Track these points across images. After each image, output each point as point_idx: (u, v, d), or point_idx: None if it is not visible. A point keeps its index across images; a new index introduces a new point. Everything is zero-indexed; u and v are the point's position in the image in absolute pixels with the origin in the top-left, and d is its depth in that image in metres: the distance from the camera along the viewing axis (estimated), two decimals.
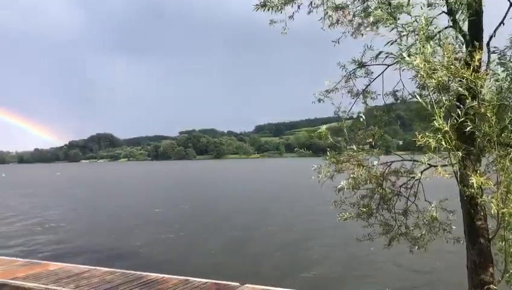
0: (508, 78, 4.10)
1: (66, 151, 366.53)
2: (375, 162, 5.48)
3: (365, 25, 5.71)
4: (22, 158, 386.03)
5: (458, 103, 4.22)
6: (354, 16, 5.84)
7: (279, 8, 5.70)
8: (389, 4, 5.02)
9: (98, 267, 12.02)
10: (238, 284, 9.94)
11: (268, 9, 5.67)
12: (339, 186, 5.29)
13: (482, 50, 4.67)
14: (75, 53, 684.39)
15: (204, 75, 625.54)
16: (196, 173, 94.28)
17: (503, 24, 4.90)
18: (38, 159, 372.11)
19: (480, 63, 4.27)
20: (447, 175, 4.16)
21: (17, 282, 10.68)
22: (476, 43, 4.54)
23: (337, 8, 5.77)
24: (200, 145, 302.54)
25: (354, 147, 5.55)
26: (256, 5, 5.62)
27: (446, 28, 5.03)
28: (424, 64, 3.87)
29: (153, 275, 11.09)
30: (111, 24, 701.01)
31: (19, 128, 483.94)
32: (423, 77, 3.94)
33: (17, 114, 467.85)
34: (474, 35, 4.90)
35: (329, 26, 5.91)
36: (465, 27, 5.01)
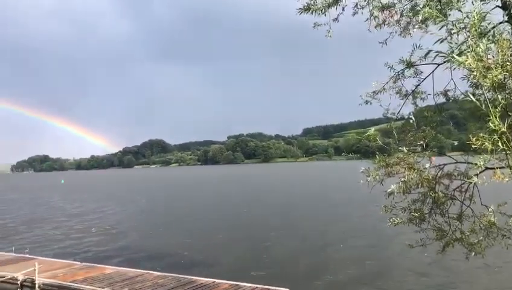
0: None
1: (120, 158, 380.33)
2: (427, 165, 5.30)
3: (413, 23, 5.54)
4: (80, 165, 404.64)
5: None
6: (401, 15, 5.68)
7: (323, 10, 5.64)
8: (439, 1, 4.85)
9: (150, 271, 12.33)
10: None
11: (312, 13, 5.62)
12: (389, 190, 5.15)
13: None
14: (127, 64, 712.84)
15: (252, 79, 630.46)
16: (245, 176, 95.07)
17: None
18: (95, 165, 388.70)
19: None
20: (507, 179, 3.93)
21: (76, 285, 11.14)
22: None
23: (383, 8, 5.64)
24: (248, 149, 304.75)
25: (405, 149, 5.38)
26: (300, 8, 5.59)
27: (501, 23, 4.79)
28: (477, 64, 3.68)
29: (204, 279, 11.25)
30: (159, 35, 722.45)
31: (77, 137, 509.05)
32: (476, 77, 3.76)
33: (75, 123, 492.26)
34: None
35: (375, 27, 5.79)
36: None
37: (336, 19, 5.81)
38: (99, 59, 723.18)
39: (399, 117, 6.12)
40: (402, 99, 6.16)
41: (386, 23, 5.70)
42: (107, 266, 13.31)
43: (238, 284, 10.71)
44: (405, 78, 5.94)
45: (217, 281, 11.07)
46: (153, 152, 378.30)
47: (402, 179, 5.14)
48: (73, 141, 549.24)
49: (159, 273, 12.12)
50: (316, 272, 14.24)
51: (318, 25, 5.93)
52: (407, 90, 6.07)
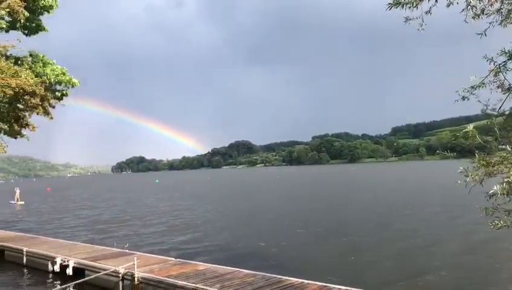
0: None
1: (209, 158, 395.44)
2: None
3: None
4: (172, 165, 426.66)
5: None
6: (502, 2, 5.28)
7: (415, 3, 5.40)
8: None
9: (240, 269, 12.65)
10: None
11: (403, 7, 5.41)
12: (491, 191, 4.84)
13: None
14: (215, 69, 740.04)
15: (336, 78, 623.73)
16: (331, 176, 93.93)
17: None
18: (186, 165, 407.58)
19: None
20: None
21: (170, 280, 11.76)
22: None
23: None
24: (333, 149, 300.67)
25: (508, 147, 5.00)
26: (389, 4, 5.41)
27: None
28: None
29: (293, 279, 11.30)
30: (244, 40, 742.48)
31: (170, 139, 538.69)
32: None
33: (167, 126, 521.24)
34: None
35: (472, 18, 5.43)
36: None
37: (428, 12, 5.53)
38: (189, 66, 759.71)
39: (500, 113, 5.69)
40: (504, 93, 5.71)
41: (485, 12, 5.33)
42: (199, 263, 13.89)
43: (327, 286, 10.62)
44: (507, 70, 5.51)
45: (306, 281, 11.06)
46: (239, 153, 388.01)
47: (506, 180, 4.78)
48: (166, 143, 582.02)
49: (248, 271, 12.39)
50: (405, 276, 13.66)
51: (409, 20, 5.69)
52: (510, 84, 5.62)
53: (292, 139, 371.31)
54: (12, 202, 54.87)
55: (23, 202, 54.24)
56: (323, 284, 10.77)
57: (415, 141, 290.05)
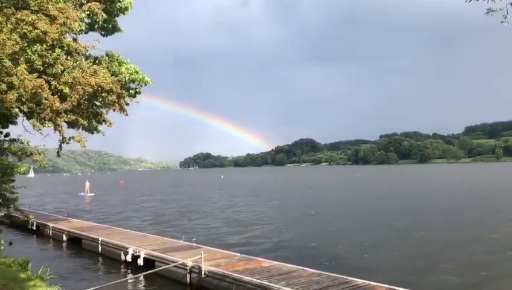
0: None
1: (273, 156, 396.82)
2: None
3: None
4: (237, 162, 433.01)
5: None
6: None
7: None
8: None
9: (305, 268, 12.56)
10: None
11: None
12: None
13: None
14: (279, 67, 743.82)
15: (404, 76, 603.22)
16: (399, 177, 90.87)
17: None
18: (250, 162, 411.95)
19: None
20: None
21: (236, 275, 11.93)
22: None
23: None
24: (402, 149, 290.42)
25: None
26: None
27: None
28: None
29: (359, 280, 11.04)
30: (309, 37, 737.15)
31: (235, 136, 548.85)
32: None
33: (232, 124, 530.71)
34: None
35: None
36: None
37: None
38: (253, 64, 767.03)
39: None
40: None
41: None
42: (263, 260, 13.97)
43: (395, 289, 10.28)
44: None
45: (373, 283, 10.78)
46: (303, 151, 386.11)
47: None
48: (232, 140, 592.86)
49: (313, 270, 12.28)
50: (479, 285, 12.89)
51: (492, 11, 5.32)
52: None
53: (358, 137, 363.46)
54: (82, 193, 58.62)
55: (92, 194, 57.86)
56: (391, 287, 10.43)
57: (490, 141, 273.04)
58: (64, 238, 22.16)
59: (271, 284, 10.88)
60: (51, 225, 24.04)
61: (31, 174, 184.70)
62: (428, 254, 17.20)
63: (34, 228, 25.26)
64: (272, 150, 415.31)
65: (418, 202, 37.55)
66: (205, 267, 12.73)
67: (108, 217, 31.85)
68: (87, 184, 59.92)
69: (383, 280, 11.20)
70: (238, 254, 14.97)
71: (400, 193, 49.27)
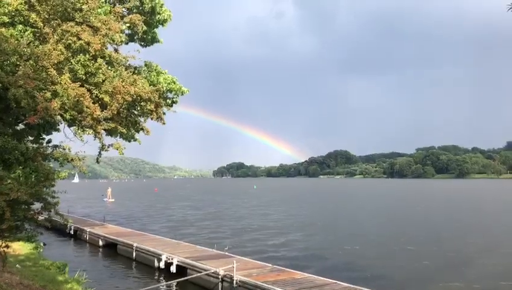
0: None
1: (306, 167, 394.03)
2: None
3: None
4: (270, 172, 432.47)
5: None
6: None
7: None
8: None
9: (338, 282, 12.36)
10: None
11: None
12: None
13: None
14: (313, 78, 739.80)
15: (442, 87, 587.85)
16: (437, 191, 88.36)
17: None
18: (283, 173, 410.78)
19: None
20: None
21: (268, 286, 11.86)
22: None
23: None
24: (439, 163, 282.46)
25: None
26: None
27: None
28: None
29: None
30: (343, 49, 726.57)
31: (268, 146, 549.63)
32: None
33: (266, 134, 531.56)
34: None
35: None
36: None
37: None
38: (288, 75, 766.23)
39: None
40: None
41: None
42: (295, 271, 13.84)
43: None
44: None
45: None
46: (337, 163, 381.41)
47: None
48: (265, 150, 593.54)
49: (346, 284, 12.07)
50: None
51: None
52: None
53: (394, 150, 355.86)
54: (105, 199, 62.82)
55: (113, 199, 61.41)
56: None
57: None
58: (100, 243, 22.68)
59: None
60: (87, 229, 24.68)
61: (76, 180, 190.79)
62: (468, 274, 16.61)
63: (72, 232, 25.98)
64: (305, 161, 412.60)
65: (458, 218, 36.39)
66: (237, 276, 12.74)
67: (137, 224, 32.40)
68: (109, 190, 64.13)
69: None
70: (270, 265, 14.89)
71: (439, 208, 47.90)
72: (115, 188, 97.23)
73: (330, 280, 12.52)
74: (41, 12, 9.35)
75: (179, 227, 31.00)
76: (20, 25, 9.67)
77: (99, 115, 9.20)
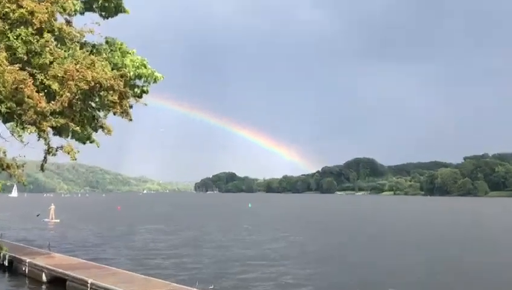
0: None
1: (318, 180, 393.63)
2: None
3: None
4: (270, 186, 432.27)
5: None
6: None
7: None
8: None
9: None
10: None
11: None
12: None
13: None
14: (327, 64, 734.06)
15: (498, 79, 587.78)
16: (493, 216, 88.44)
17: None
18: (287, 187, 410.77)
19: None
20: None
21: None
22: None
23: None
24: (494, 176, 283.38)
25: None
26: None
27: None
28: None
29: None
30: (367, 26, 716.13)
31: (267, 151, 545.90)
32: None
33: (265, 135, 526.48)
34: None
35: None
36: None
37: None
38: (292, 60, 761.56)
39: None
40: None
41: None
42: None
43: None
44: None
45: None
46: (359, 175, 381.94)
47: None
48: (263, 156, 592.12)
49: None
50: None
51: None
52: None
53: (434, 159, 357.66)
54: (46, 219, 62.45)
55: (58, 220, 61.45)
56: None
57: None
58: (44, 278, 22.55)
59: None
60: (27, 259, 24.54)
61: (14, 194, 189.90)
62: None
63: (7, 263, 25.83)
64: (317, 171, 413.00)
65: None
66: None
67: (93, 252, 32.34)
68: (52, 207, 64.08)
69: None
70: None
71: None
72: (64, 205, 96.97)
73: None
74: None
75: (148, 257, 30.90)
76: None
77: (44, 107, 9.13)
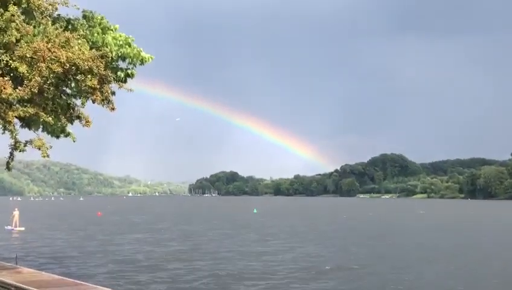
0: None
1: (337, 180, 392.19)
2: None
3: None
4: (279, 188, 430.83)
5: None
6: None
7: None
8: None
9: None
10: None
11: None
12: None
13: None
14: (346, 42, 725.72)
15: None
16: None
17: None
18: (299, 189, 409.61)
19: None
20: None
21: None
22: None
23: None
24: None
25: None
26: None
27: None
28: None
29: None
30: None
31: (275, 146, 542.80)
32: None
33: (272, 126, 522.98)
34: None
35: None
36: None
37: None
38: (304, 37, 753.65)
39: None
40: None
41: None
42: None
43: None
44: None
45: None
46: (386, 174, 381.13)
47: None
48: (270, 152, 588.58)
49: None
50: None
51: None
52: None
53: (476, 156, 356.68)
54: (9, 227, 63.37)
55: (22, 228, 62.24)
56: None
57: None
58: None
59: None
60: None
61: None
62: None
63: None
64: (336, 170, 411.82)
65: None
66: None
67: (69, 266, 32.50)
68: (16, 213, 64.53)
69: None
70: None
71: None
72: (35, 210, 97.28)
73: None
74: None
75: (133, 271, 31.05)
76: None
77: (10, 94, 9.15)
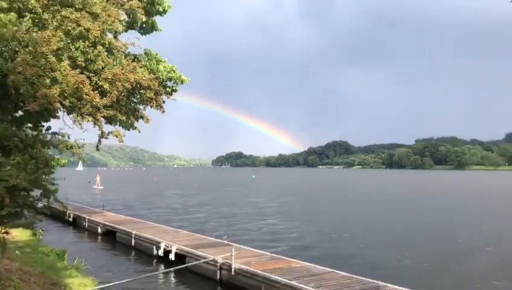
0: None
1: (305, 157, 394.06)
2: None
3: None
4: (268, 162, 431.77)
5: None
6: None
7: None
8: None
9: (335, 270, 12.44)
10: None
11: None
12: None
13: None
14: (312, 68, 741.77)
15: (442, 79, 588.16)
16: (436, 183, 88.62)
17: None
18: (282, 163, 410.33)
19: None
20: None
21: (265, 274, 11.94)
22: None
23: None
24: (438, 154, 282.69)
25: None
26: None
27: None
28: None
29: (391, 286, 10.86)
30: (342, 40, 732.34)
31: (267, 136, 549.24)
32: None
33: (265, 124, 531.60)
34: None
35: None
36: None
37: None
38: (286, 65, 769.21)
39: None
40: None
41: None
42: (294, 260, 13.91)
43: None
44: None
45: (405, 289, 10.58)
46: (336, 153, 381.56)
47: None
48: (263, 139, 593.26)
49: (344, 273, 12.14)
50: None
51: None
52: None
53: (393, 141, 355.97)
54: (94, 186, 64.90)
55: (102, 187, 63.57)
56: None
57: None
58: (99, 230, 22.76)
59: (301, 285, 10.83)
60: (86, 217, 24.73)
61: (80, 167, 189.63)
62: (466, 263, 16.75)
63: (71, 220, 26.03)
64: (304, 151, 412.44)
65: (456, 209, 36.57)
66: (235, 264, 12.80)
67: (136, 211, 32.51)
68: (98, 178, 66.08)
69: (418, 287, 10.96)
70: (269, 253, 14.97)
71: (440, 199, 48.07)
72: (115, 176, 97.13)
73: (328, 269, 12.60)
74: None
75: (178, 215, 31.10)
76: (19, 11, 9.58)
77: (98, 102, 9.15)
